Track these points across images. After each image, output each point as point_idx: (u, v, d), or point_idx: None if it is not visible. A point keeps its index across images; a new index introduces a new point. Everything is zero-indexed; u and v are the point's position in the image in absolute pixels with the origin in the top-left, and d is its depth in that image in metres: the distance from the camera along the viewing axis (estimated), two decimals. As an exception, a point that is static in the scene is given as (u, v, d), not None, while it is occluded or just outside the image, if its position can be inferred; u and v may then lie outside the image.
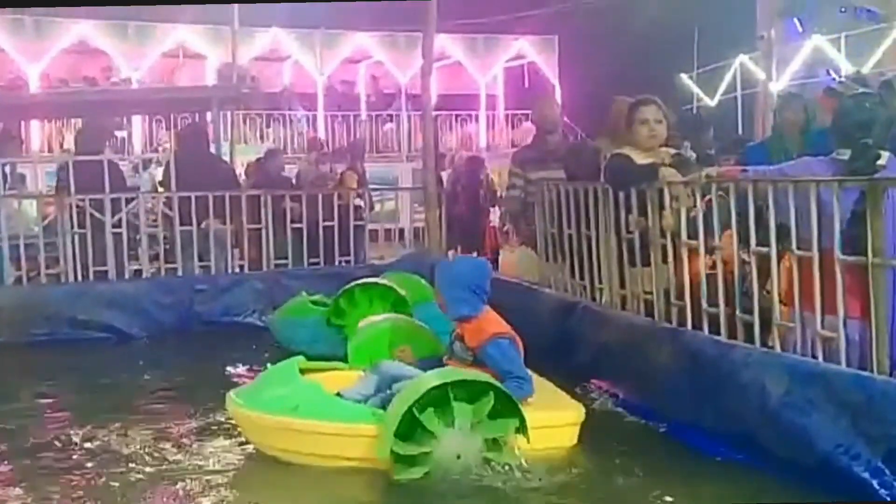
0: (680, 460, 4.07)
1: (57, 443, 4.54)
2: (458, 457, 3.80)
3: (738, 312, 4.24)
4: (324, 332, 6.45)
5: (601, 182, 5.41)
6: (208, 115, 10.21)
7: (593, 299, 5.61)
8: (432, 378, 3.87)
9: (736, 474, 3.85)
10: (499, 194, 11.37)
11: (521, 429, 3.87)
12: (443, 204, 8.94)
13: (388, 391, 4.14)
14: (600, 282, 5.55)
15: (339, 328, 6.42)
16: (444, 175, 11.24)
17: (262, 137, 17.64)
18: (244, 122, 17.10)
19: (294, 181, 9.97)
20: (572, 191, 5.79)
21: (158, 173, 9.47)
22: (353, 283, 6.68)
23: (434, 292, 4.59)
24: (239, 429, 4.47)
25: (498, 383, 3.92)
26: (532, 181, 6.66)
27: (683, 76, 17.26)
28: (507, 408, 3.87)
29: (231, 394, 4.42)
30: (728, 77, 16.56)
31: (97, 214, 7.69)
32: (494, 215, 11.20)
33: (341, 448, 3.96)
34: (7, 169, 8.99)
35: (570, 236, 5.84)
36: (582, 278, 5.75)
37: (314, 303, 6.90)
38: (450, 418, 3.79)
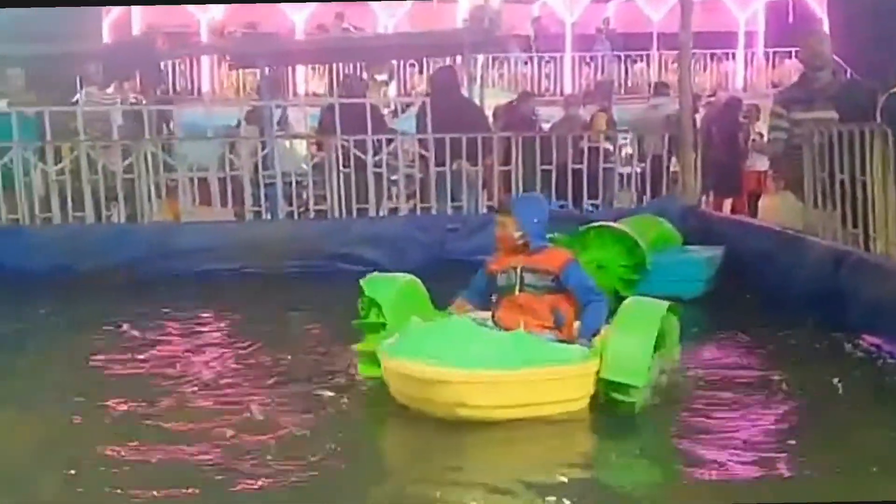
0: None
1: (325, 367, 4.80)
2: (662, 371, 4.10)
3: None
4: None
5: (878, 124, 5.02)
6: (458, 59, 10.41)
7: (867, 249, 5.23)
8: (661, 304, 4.07)
9: None
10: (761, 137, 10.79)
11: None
12: (698, 147, 8.59)
13: None
14: (875, 231, 5.16)
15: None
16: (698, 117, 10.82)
17: (511, 80, 17.81)
18: (493, 64, 17.30)
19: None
20: (846, 133, 5.40)
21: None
22: (586, 226, 6.42)
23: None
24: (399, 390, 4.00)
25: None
26: (798, 122, 6.29)
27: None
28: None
29: (390, 350, 3.97)
30: None
31: (360, 154, 8.10)
32: (752, 159, 10.66)
33: (574, 390, 3.95)
34: (277, 111, 9.68)
35: (841, 182, 5.47)
36: (854, 227, 5.37)
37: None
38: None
